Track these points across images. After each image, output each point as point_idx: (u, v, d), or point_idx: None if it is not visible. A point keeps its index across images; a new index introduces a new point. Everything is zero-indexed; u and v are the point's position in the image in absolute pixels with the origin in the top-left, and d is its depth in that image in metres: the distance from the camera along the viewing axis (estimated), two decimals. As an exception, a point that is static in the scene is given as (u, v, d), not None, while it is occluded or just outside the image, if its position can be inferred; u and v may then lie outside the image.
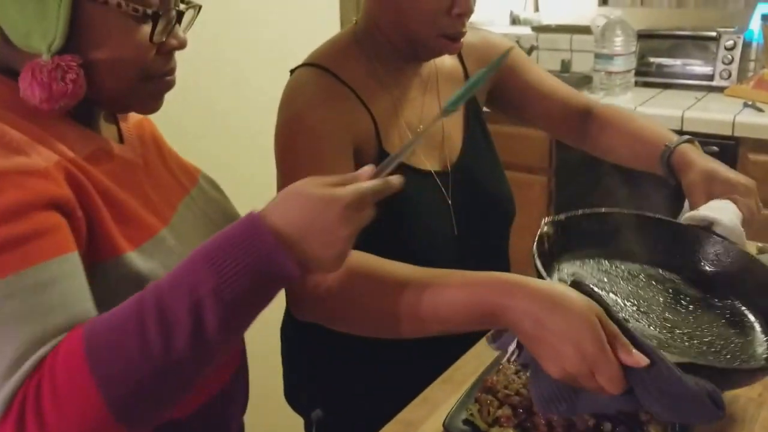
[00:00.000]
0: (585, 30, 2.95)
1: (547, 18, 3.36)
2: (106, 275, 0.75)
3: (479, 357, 1.11)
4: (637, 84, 2.85)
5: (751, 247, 1.54)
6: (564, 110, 1.38)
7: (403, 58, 1.17)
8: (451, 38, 1.11)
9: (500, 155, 1.38)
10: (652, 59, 2.84)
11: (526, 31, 3.27)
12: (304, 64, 1.15)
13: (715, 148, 2.45)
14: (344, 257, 0.73)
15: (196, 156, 1.73)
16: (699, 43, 2.74)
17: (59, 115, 0.79)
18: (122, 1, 0.75)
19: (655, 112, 2.51)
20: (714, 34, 2.71)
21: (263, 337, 1.25)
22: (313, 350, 1.27)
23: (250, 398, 1.04)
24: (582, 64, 3.05)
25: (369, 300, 0.88)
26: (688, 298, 1.03)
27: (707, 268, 1.08)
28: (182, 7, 0.83)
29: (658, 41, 2.84)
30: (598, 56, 2.73)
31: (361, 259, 0.90)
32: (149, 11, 0.77)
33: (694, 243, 1.10)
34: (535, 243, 0.95)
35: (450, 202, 1.20)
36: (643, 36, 2.82)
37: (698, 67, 2.76)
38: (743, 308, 1.03)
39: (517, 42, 3.03)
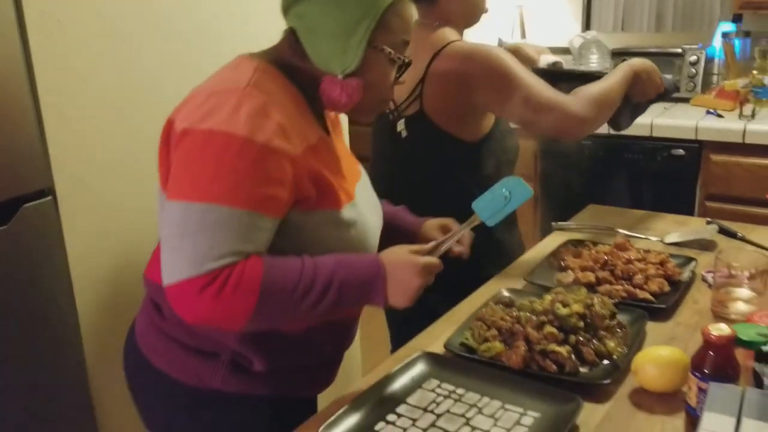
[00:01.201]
0: (565, 51, 3.25)
1: (529, 38, 3.66)
2: (322, 221, 1.11)
3: (472, 303, 1.37)
4: (612, 98, 3.13)
5: (700, 222, 1.80)
6: None
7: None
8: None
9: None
10: (625, 75, 3.12)
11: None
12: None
13: (682, 151, 2.73)
14: (411, 302, 1.08)
15: None
16: (667, 59, 3.03)
17: (304, 105, 1.13)
18: (392, 52, 1.12)
19: (628, 121, 2.79)
20: (680, 50, 3.01)
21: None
22: None
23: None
24: (563, 82, 3.34)
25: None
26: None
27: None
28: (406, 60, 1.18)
29: (632, 59, 3.13)
30: (575, 73, 3.02)
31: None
32: (405, 60, 1.15)
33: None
34: None
35: None
36: (617, 54, 3.12)
37: (666, 82, 3.05)
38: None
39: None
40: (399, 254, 1.10)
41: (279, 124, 1.02)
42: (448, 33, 1.61)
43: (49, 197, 1.61)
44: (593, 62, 2.96)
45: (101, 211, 1.78)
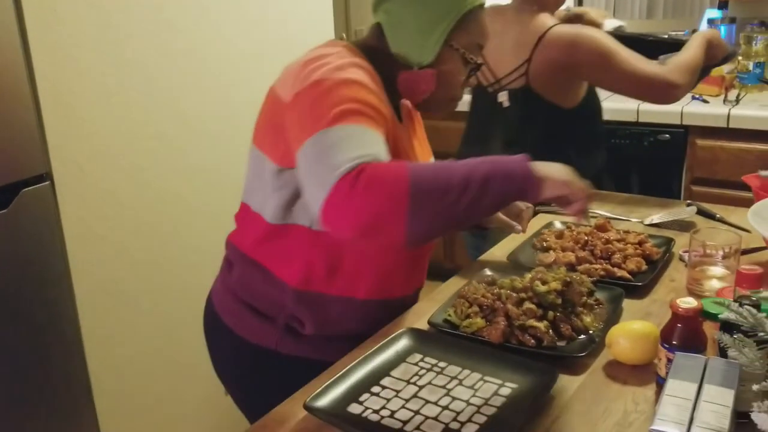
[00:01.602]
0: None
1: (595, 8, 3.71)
2: None
3: (456, 282, 1.42)
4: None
5: (681, 204, 1.85)
6: None
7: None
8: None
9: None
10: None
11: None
12: None
13: (667, 136, 2.78)
14: (567, 180, 1.10)
15: (195, 187, 2.05)
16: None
17: (384, 93, 1.19)
18: (466, 53, 1.24)
19: (615, 105, 2.83)
20: (666, 37, 3.05)
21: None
22: None
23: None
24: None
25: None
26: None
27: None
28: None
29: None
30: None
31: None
32: (478, 62, 1.27)
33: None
34: None
35: None
36: (604, 41, 3.15)
37: (654, 67, 3.10)
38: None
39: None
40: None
41: (370, 72, 1.16)
42: (547, 18, 1.84)
43: (47, 182, 1.66)
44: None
45: (98, 196, 1.83)
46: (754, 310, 0.73)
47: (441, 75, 1.24)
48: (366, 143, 1.03)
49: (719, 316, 0.79)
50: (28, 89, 1.59)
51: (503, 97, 1.89)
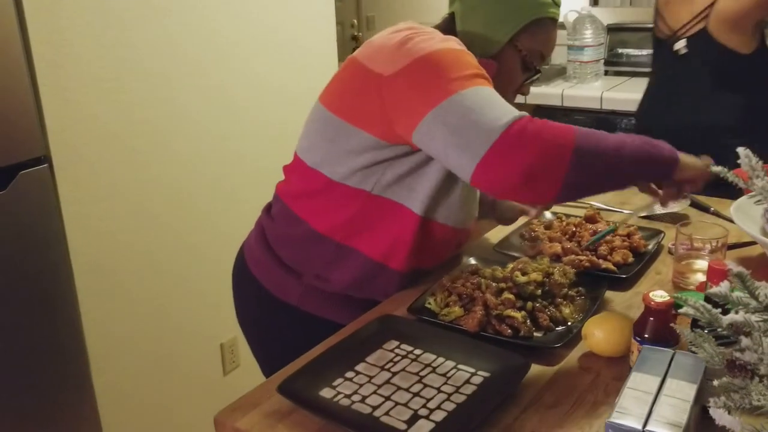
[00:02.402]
0: (560, 26, 3.26)
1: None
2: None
3: (440, 271, 1.43)
4: (608, 73, 3.16)
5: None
6: None
7: None
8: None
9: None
10: (621, 50, 3.15)
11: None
12: None
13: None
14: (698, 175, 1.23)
15: (189, 170, 2.06)
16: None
17: None
18: (528, 56, 1.31)
19: (620, 96, 2.82)
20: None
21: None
22: None
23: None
24: (560, 57, 3.37)
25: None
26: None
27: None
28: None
29: (627, 34, 3.15)
30: (570, 48, 3.04)
31: None
32: (537, 67, 1.34)
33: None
34: None
35: None
36: (612, 29, 3.13)
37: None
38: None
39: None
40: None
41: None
42: None
43: (45, 165, 1.68)
44: (587, 38, 2.98)
45: (96, 179, 1.85)
46: (709, 306, 0.74)
47: (499, 72, 1.28)
48: (506, 103, 1.09)
49: (679, 311, 0.80)
50: (26, 72, 1.61)
51: (680, 45, 2.02)
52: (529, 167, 1.04)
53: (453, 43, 1.18)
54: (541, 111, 3.02)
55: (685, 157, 1.22)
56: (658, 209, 1.62)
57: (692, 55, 2.02)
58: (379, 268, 1.31)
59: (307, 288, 1.33)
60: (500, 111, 1.07)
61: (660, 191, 1.28)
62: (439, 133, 1.08)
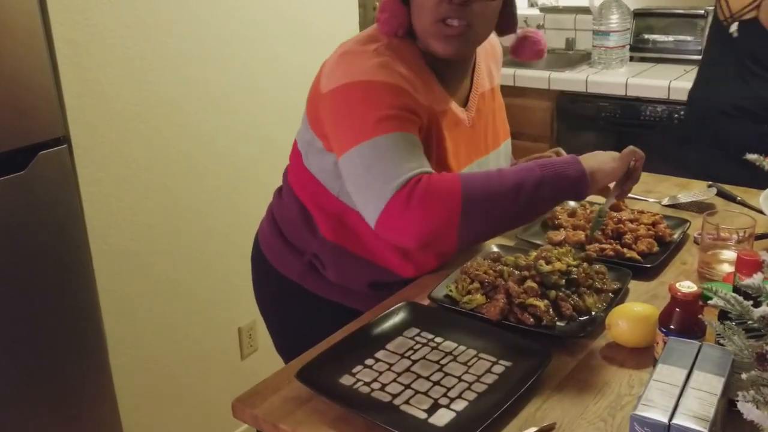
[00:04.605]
0: (585, 10, 3.21)
1: (564, 2, 3.61)
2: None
3: (463, 257, 1.42)
4: (633, 59, 3.11)
5: (702, 185, 1.80)
6: None
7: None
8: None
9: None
10: (647, 36, 3.09)
11: (534, 12, 3.54)
12: None
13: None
14: (615, 177, 1.23)
15: (211, 151, 2.05)
16: (689, 21, 2.99)
17: (430, 77, 1.24)
18: None
19: (646, 83, 2.77)
20: (702, 12, 2.96)
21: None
22: None
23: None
24: (585, 42, 3.32)
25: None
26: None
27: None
28: None
29: (654, 19, 3.09)
30: (596, 33, 2.99)
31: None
32: None
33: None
34: None
35: None
36: (639, 14, 3.07)
37: (689, 43, 3.02)
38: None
39: (525, 22, 3.30)
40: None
41: (404, 74, 1.18)
42: None
43: (64, 145, 1.68)
44: (613, 23, 2.93)
45: (115, 160, 1.85)
46: (740, 298, 0.71)
47: (413, 5, 1.21)
48: (411, 153, 1.11)
49: (708, 302, 0.77)
50: (46, 51, 1.60)
51: (734, 28, 2.04)
52: (419, 234, 1.07)
53: (385, 72, 1.16)
54: (564, 97, 2.97)
55: (594, 165, 1.19)
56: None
57: (742, 40, 2.04)
58: (366, 264, 1.34)
59: (308, 267, 1.36)
60: (397, 169, 1.09)
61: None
62: (350, 174, 1.14)
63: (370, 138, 1.11)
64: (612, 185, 1.32)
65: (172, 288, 2.06)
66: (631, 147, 1.27)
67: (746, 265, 0.96)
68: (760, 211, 1.59)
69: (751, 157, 1.00)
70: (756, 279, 0.70)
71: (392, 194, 1.06)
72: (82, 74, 1.72)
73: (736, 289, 0.96)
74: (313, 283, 1.37)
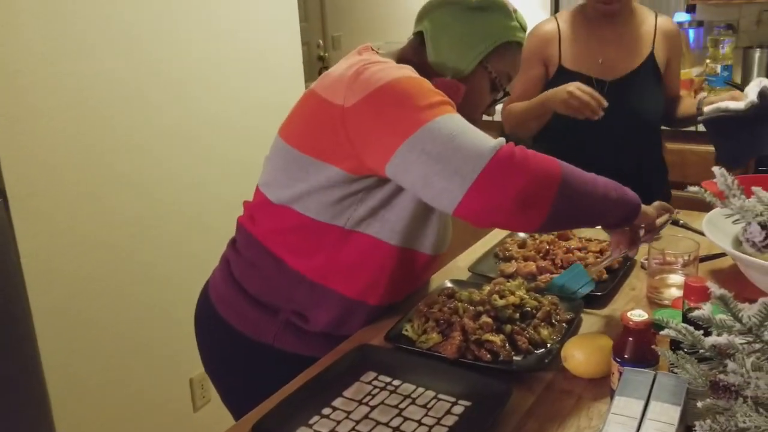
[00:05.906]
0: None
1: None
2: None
3: (417, 295, 1.41)
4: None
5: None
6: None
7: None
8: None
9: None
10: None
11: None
12: None
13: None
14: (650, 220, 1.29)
15: (154, 200, 2.01)
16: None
17: None
18: (498, 77, 1.31)
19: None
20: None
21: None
22: None
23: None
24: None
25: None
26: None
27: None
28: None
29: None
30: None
31: None
32: (505, 89, 1.34)
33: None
34: None
35: None
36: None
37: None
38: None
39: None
40: None
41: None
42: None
43: (0, 200, 1.62)
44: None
45: (54, 212, 1.79)
46: (691, 328, 0.72)
47: (468, 92, 1.27)
48: (480, 130, 1.09)
49: (660, 333, 0.78)
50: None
51: None
52: (523, 191, 1.03)
53: (408, 71, 1.16)
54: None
55: (647, 209, 1.28)
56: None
57: None
58: (358, 305, 1.27)
59: (284, 325, 1.28)
60: (483, 136, 1.07)
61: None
62: (417, 163, 1.05)
63: (433, 119, 1.07)
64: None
65: (119, 341, 1.99)
66: (664, 204, 1.35)
67: (693, 291, 0.97)
68: (700, 233, 1.63)
69: (692, 189, 1.02)
70: (705, 311, 0.71)
71: (493, 153, 1.03)
72: (16, 127, 1.67)
73: (686, 318, 0.97)
74: (288, 341, 1.28)
